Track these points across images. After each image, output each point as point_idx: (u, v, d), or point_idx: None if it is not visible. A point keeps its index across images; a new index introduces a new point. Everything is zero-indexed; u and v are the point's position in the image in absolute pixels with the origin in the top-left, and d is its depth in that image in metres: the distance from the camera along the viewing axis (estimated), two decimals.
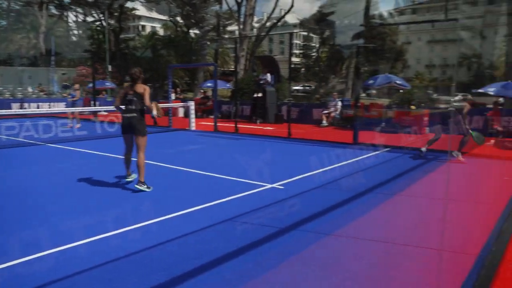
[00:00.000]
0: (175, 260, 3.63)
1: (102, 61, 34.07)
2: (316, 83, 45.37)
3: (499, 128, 11.27)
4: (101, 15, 39.57)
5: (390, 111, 15.28)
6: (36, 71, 35.39)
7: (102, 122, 15.32)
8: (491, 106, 11.79)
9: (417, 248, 3.98)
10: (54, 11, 43.35)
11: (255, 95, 17.29)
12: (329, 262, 3.63)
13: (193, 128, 14.46)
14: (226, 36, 43.53)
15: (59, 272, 3.35)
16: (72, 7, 41.79)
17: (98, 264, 3.50)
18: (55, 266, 3.46)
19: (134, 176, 6.12)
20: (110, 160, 8.22)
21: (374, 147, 9.97)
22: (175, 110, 19.09)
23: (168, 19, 44.90)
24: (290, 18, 62.50)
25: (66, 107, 14.30)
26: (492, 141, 10.89)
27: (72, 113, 14.24)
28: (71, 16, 48.46)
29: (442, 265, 3.49)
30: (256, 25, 45.05)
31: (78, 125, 13.93)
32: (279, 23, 35.67)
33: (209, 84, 24.05)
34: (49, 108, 19.62)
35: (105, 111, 16.96)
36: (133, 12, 51.02)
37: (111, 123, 13.76)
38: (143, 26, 77.20)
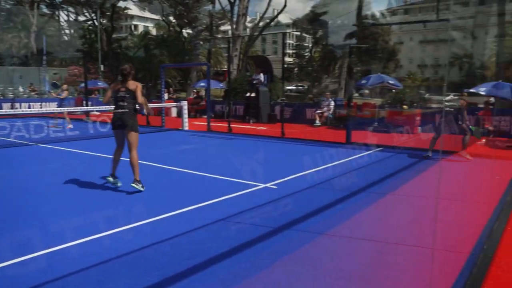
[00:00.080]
0: (169, 260, 3.61)
1: (94, 60, 33.87)
2: (309, 83, 45.50)
3: (490, 128, 11.38)
4: (93, 15, 39.34)
5: (382, 111, 15.37)
6: (27, 71, 35.06)
7: (94, 122, 15.23)
8: (482, 105, 11.90)
9: (409, 247, 4.01)
10: (45, 10, 43.01)
11: (247, 95, 17.29)
12: (322, 261, 3.63)
13: (186, 128, 14.42)
14: (219, 36, 43.47)
15: (50, 273, 3.33)
16: (64, 6, 41.49)
17: (90, 265, 3.48)
18: (47, 267, 3.44)
19: (118, 183, 5.91)
20: (102, 160, 8.16)
21: (367, 146, 10.01)
22: (168, 110, 19.03)
23: (161, 19, 44.75)
24: (283, 18, 62.55)
25: (58, 107, 14.20)
26: (483, 140, 10.99)
27: (61, 113, 14.15)
28: (63, 15, 48.09)
29: (434, 263, 3.51)
30: (249, 25, 45.06)
31: (70, 126, 13.83)
32: (272, 23, 35.72)
33: (202, 84, 24.00)
34: (41, 108, 19.45)
35: (97, 111, 16.86)
36: (126, 11, 50.78)
37: (104, 123, 13.67)
38: (136, 26, 76.85)
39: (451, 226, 4.64)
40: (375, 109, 15.72)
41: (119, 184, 5.91)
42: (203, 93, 22.46)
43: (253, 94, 16.89)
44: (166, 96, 19.75)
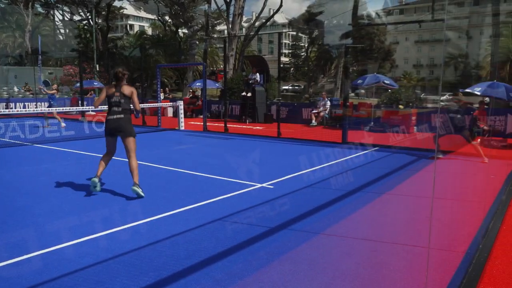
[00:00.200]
0: (165, 260, 3.60)
1: (89, 60, 33.73)
2: (305, 83, 45.53)
3: (485, 127, 11.44)
4: (88, 14, 39.17)
5: (378, 111, 15.41)
6: (22, 70, 34.87)
7: (90, 122, 15.17)
8: (477, 105, 11.95)
9: (405, 246, 4.02)
10: (40, 9, 42.78)
11: (243, 94, 17.29)
12: (318, 261, 3.64)
13: (182, 128, 14.40)
14: (215, 35, 43.44)
15: (46, 274, 3.31)
16: (59, 5, 41.25)
17: (86, 266, 3.47)
18: (43, 268, 3.42)
19: (97, 187, 5.50)
20: (97, 160, 8.10)
21: (363, 146, 10.04)
22: (164, 109, 18.99)
23: (157, 18, 44.67)
24: (279, 18, 62.65)
25: (52, 106, 14.15)
26: (478, 140, 11.04)
27: (50, 113, 14.11)
28: (58, 15, 47.86)
29: (430, 263, 3.52)
30: (245, 24, 45.07)
31: (63, 124, 13.80)
32: (268, 23, 35.76)
33: (198, 84, 23.98)
34: (36, 108, 19.35)
35: (92, 111, 16.79)
36: (121, 11, 50.64)
37: (99, 123, 13.63)
38: (131, 25, 76.65)
39: (447, 226, 4.66)
40: (371, 109, 15.77)
41: (97, 189, 5.53)
42: (199, 92, 22.43)
43: (249, 94, 16.90)
44: (162, 96, 19.71)
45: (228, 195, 5.67)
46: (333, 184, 6.48)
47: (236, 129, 14.02)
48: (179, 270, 3.42)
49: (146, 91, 26.21)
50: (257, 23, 35.27)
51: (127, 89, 5.52)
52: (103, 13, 39.70)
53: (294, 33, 57.99)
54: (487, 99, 12.95)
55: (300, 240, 4.15)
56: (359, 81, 16.45)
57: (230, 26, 28.82)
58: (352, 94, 34.84)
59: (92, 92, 27.40)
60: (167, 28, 43.78)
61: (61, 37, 55.45)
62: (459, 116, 8.55)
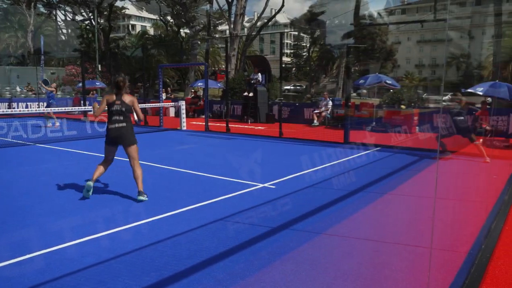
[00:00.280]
0: (167, 260, 3.61)
1: (92, 60, 33.79)
2: (307, 83, 45.53)
3: (487, 127, 11.41)
4: (90, 14, 39.23)
5: (380, 111, 15.38)
6: (24, 70, 34.95)
7: (92, 122, 15.18)
8: (479, 105, 11.92)
9: (407, 246, 4.01)
10: (42, 9, 42.87)
11: (245, 94, 17.30)
12: (320, 261, 3.64)
13: (184, 128, 14.41)
14: (217, 35, 43.46)
15: (48, 273, 3.32)
16: (61, 5, 41.33)
17: (88, 265, 3.47)
18: (45, 268, 3.42)
19: (89, 192, 5.37)
20: (99, 160, 8.13)
21: (365, 146, 10.03)
22: (166, 109, 19.01)
23: (159, 19, 44.71)
24: (281, 18, 62.66)
25: (51, 105, 14.25)
26: (481, 140, 11.02)
27: (48, 112, 14.19)
28: (60, 15, 47.97)
29: (432, 263, 3.51)
30: (247, 24, 45.08)
31: (57, 124, 13.86)
32: (270, 23, 35.75)
33: (200, 84, 23.99)
34: (38, 107, 19.40)
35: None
36: (123, 11, 50.75)
37: (101, 123, 13.63)
38: (133, 25, 76.77)
39: (449, 226, 4.65)
40: (373, 109, 15.74)
41: (89, 194, 5.39)
42: (201, 92, 22.44)
43: (251, 94, 16.90)
44: (164, 96, 19.73)
45: (230, 195, 5.67)
46: (335, 184, 6.47)
47: (238, 129, 14.03)
48: (181, 270, 3.42)
49: (148, 91, 26.21)
50: (259, 23, 35.30)
51: (127, 98, 5.50)
52: (105, 13, 39.78)
53: (296, 33, 57.99)
54: (489, 99, 12.92)
55: (302, 240, 4.15)
56: (361, 81, 16.44)
57: (232, 26, 28.84)
58: (354, 94, 34.77)
59: (94, 92, 27.46)
60: (169, 28, 43.84)
61: (63, 37, 55.57)
62: (461, 117, 8.54)
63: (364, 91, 33.07)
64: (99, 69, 32.59)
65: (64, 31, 55.81)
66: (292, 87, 47.11)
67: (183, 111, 14.66)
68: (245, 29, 42.87)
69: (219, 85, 26.01)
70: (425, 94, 31.00)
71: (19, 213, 4.90)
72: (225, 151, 10.09)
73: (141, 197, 5.37)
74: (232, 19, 29.18)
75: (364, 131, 13.58)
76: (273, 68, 20.18)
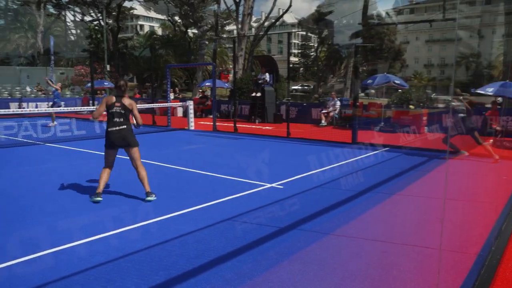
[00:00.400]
0: (175, 260, 3.62)
1: (100, 60, 34.02)
2: (315, 83, 45.42)
3: (498, 128, 11.30)
4: (99, 15, 39.50)
5: (388, 111, 15.30)
6: (34, 71, 35.28)
7: (101, 121, 15.27)
8: (489, 105, 11.82)
9: (416, 247, 3.99)
10: (52, 10, 43.25)
11: (253, 94, 17.30)
12: (328, 261, 3.63)
13: (192, 128, 14.45)
14: (225, 35, 43.51)
15: (57, 272, 3.35)
16: (70, 6, 41.69)
17: (97, 264, 3.50)
18: (54, 266, 3.46)
19: (100, 198, 5.28)
20: None
21: (373, 146, 9.98)
22: (174, 109, 19.08)
23: (166, 19, 44.88)
24: (288, 18, 62.54)
25: (55, 104, 14.47)
26: (491, 140, 10.91)
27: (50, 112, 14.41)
28: (69, 16, 48.36)
29: (441, 264, 3.49)
30: (255, 24, 45.09)
31: (54, 123, 14.02)
32: (278, 23, 35.72)
33: (207, 84, 24.04)
34: (48, 107, 19.58)
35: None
36: (131, 11, 50.99)
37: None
38: (141, 26, 77.16)
39: (459, 227, 4.61)
40: (381, 109, 15.66)
41: (99, 198, 5.33)
42: (208, 92, 22.49)
43: (258, 94, 16.89)
44: (172, 96, 19.80)
45: (237, 195, 5.68)
46: (343, 184, 6.46)
47: (245, 129, 14.04)
48: (189, 269, 3.43)
49: (156, 91, 26.34)
50: (266, 23, 35.27)
51: (127, 101, 5.46)
52: (113, 13, 40.02)
53: (304, 33, 57.82)
54: (499, 99, 12.80)
55: (309, 240, 4.15)
56: (369, 81, 16.36)
57: (240, 26, 28.86)
58: (362, 94, 34.65)
59: (103, 91, 27.64)
60: (176, 28, 43.98)
61: (72, 38, 55.98)
62: (462, 114, 8.46)
63: (372, 91, 32.93)
64: (108, 69, 32.79)
65: (73, 31, 56.25)
66: (299, 87, 47.02)
67: (191, 111, 14.70)
68: (253, 29, 42.84)
69: (226, 85, 26.04)
70: (434, 94, 30.76)
71: (29, 212, 4.95)
72: (233, 151, 10.11)
73: (149, 198, 5.39)
74: (240, 19, 29.19)
75: (372, 131, 13.52)
76: (280, 68, 20.15)
